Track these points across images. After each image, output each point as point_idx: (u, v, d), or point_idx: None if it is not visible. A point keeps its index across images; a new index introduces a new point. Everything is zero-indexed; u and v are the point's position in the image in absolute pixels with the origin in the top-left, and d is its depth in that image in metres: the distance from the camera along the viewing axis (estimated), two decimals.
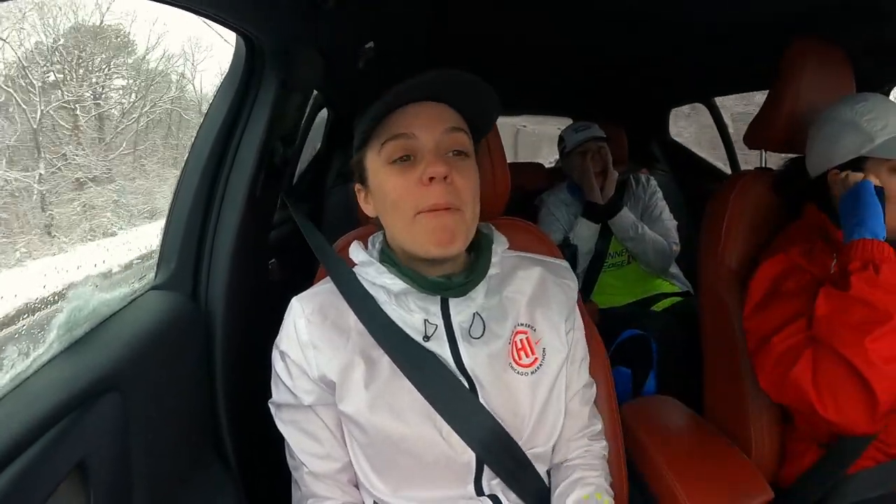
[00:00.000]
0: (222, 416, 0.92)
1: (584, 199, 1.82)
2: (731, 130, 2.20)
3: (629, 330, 1.51)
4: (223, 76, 0.91)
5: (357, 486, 0.80)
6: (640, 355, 1.48)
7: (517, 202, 1.00)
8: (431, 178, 0.68)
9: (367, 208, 0.79)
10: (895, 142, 0.90)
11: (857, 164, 0.95)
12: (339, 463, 0.78)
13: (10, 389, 0.56)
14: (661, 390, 1.46)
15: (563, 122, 3.04)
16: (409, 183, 0.69)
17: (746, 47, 1.40)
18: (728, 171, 2.21)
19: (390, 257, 0.77)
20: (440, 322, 0.76)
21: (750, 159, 2.06)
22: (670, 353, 1.48)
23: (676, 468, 0.95)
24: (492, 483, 0.75)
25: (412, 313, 0.76)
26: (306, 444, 0.77)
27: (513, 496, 0.76)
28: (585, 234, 1.76)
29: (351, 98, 1.84)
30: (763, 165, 1.21)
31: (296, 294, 0.79)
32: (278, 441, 0.80)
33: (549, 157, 3.13)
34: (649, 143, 2.48)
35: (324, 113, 1.99)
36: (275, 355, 0.78)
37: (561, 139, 1.90)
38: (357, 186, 0.80)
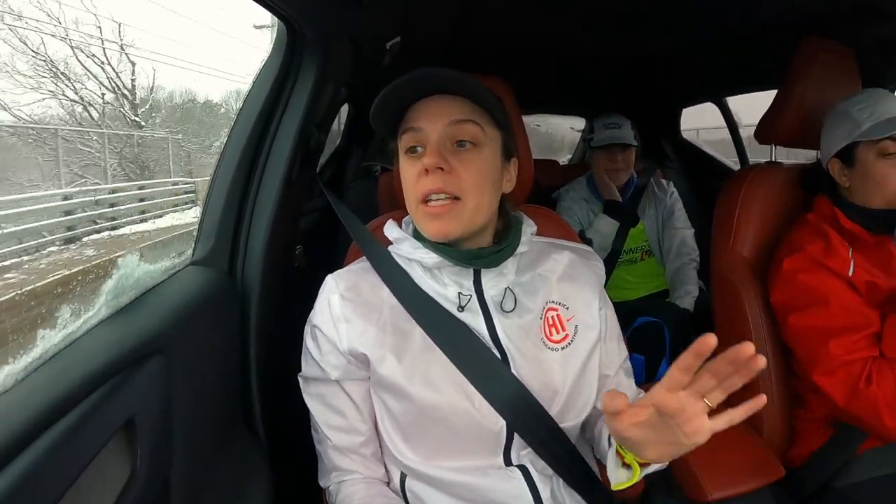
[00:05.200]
0: (254, 389, 0.90)
1: (604, 197, 1.80)
2: None
3: (643, 317, 1.49)
4: (263, 61, 0.90)
5: (380, 460, 0.79)
6: (654, 342, 1.45)
7: (532, 197, 0.99)
8: (426, 170, 0.69)
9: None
10: (879, 126, 0.92)
11: (850, 150, 0.96)
12: (363, 437, 0.77)
13: (64, 347, 0.55)
14: None
15: (576, 122, 2.97)
16: (414, 173, 0.71)
17: (757, 47, 1.39)
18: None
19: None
20: (473, 294, 0.75)
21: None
22: (684, 340, 1.46)
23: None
24: (521, 453, 0.74)
25: (446, 286, 0.75)
26: (330, 418, 0.77)
27: (541, 464, 0.74)
28: (605, 230, 1.73)
29: (372, 94, 1.81)
30: (773, 159, 1.20)
31: (320, 279, 0.79)
32: (306, 416, 0.80)
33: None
34: (661, 140, 2.46)
35: (344, 108, 1.97)
36: (307, 330, 0.78)
37: (591, 129, 1.85)
38: (396, 168, 0.80)
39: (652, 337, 1.47)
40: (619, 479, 0.66)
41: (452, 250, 0.73)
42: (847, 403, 0.89)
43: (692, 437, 0.54)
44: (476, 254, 0.73)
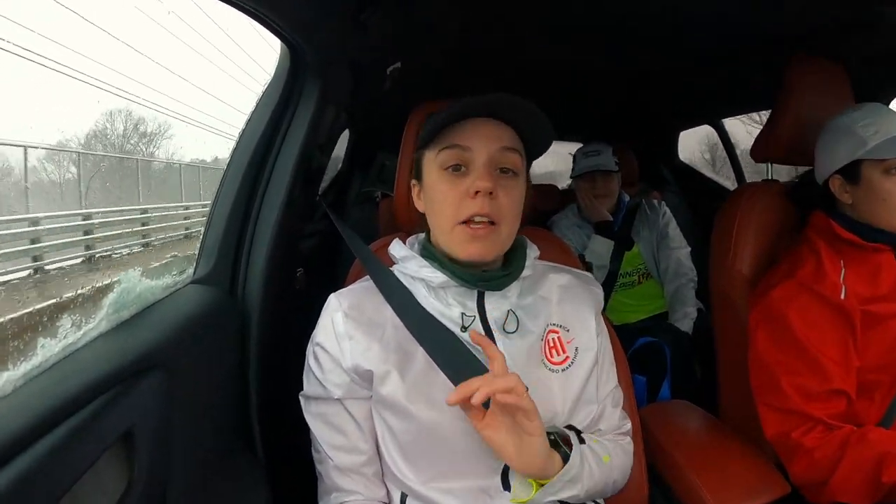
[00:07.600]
0: (253, 409, 0.90)
1: (594, 220, 1.82)
2: None
3: (643, 337, 1.48)
4: (266, 84, 0.93)
5: (381, 480, 0.78)
6: (655, 362, 1.45)
7: (530, 222, 1.01)
8: (477, 192, 0.69)
9: (419, 204, 0.80)
10: (887, 144, 0.91)
11: (854, 167, 0.95)
12: (364, 456, 0.76)
13: (63, 357, 0.56)
14: (675, 397, 1.42)
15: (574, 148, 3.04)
16: (456, 193, 0.71)
17: (748, 67, 1.41)
18: None
19: (432, 253, 0.77)
20: (476, 315, 0.75)
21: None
22: (684, 360, 1.45)
23: (696, 465, 0.93)
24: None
25: (450, 307, 0.75)
26: (332, 437, 0.76)
27: None
28: (601, 250, 1.75)
29: (371, 120, 1.86)
30: (769, 177, 1.22)
31: (321, 302, 0.79)
32: (305, 435, 0.79)
33: None
34: (659, 165, 2.49)
35: (345, 134, 2.00)
36: (309, 349, 0.78)
37: (574, 159, 1.90)
38: (413, 182, 0.81)
39: (653, 357, 1.46)
40: (518, 494, 0.69)
41: (461, 271, 0.73)
42: (773, 440, 0.91)
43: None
44: (483, 276, 0.74)
